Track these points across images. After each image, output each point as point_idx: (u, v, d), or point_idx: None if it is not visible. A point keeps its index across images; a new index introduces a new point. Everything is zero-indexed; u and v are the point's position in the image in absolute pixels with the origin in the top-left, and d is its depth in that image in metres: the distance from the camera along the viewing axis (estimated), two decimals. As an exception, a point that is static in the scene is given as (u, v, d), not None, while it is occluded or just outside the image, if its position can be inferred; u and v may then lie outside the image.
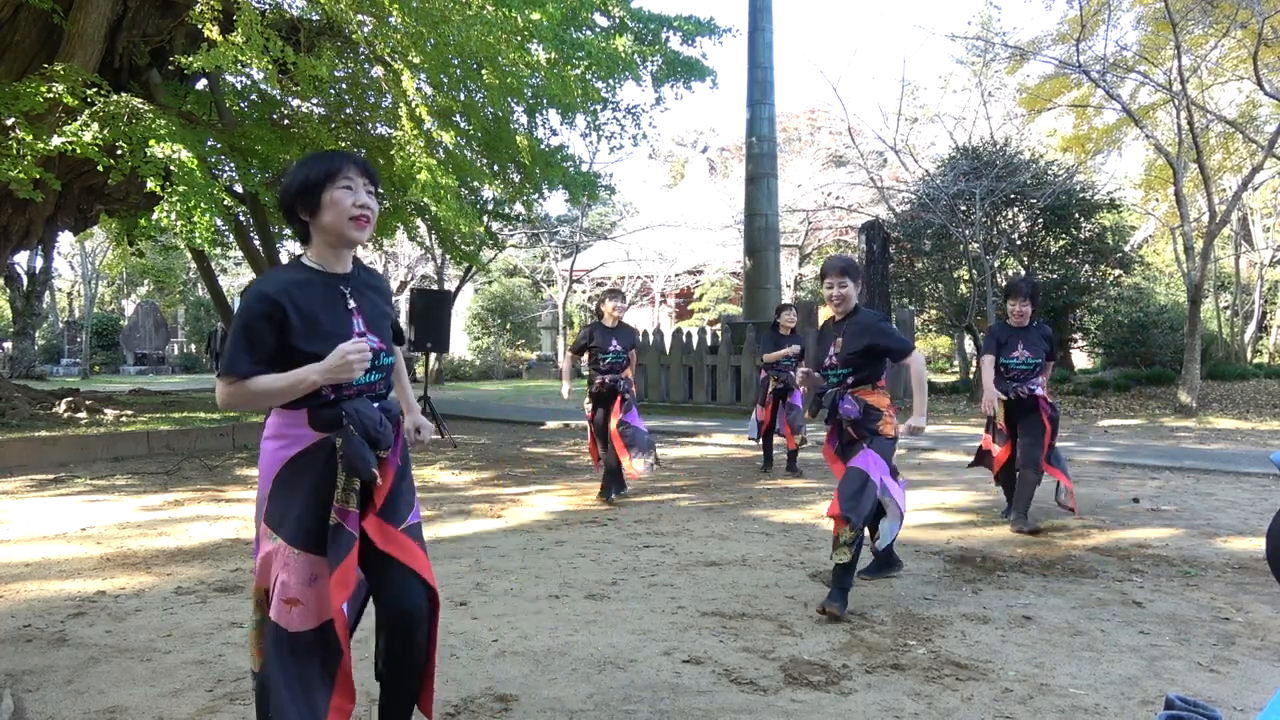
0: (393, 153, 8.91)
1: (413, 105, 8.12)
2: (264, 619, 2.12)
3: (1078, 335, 18.60)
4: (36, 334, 25.59)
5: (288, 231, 11.77)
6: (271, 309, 2.01)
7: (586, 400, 6.45)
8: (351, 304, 2.12)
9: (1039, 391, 5.36)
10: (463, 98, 9.73)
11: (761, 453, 8.38)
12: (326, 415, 2.06)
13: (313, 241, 2.14)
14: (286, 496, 2.07)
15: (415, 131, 8.18)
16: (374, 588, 2.20)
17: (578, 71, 9.10)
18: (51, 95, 7.73)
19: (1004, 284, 6.50)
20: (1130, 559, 4.71)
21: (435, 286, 23.67)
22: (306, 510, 2.06)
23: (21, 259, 21.74)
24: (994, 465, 5.69)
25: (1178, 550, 4.91)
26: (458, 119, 10.05)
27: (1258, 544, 4.92)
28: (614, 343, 6.21)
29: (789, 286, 25.96)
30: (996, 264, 16.57)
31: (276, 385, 2.01)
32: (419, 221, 13.15)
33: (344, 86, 10.43)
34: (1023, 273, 17.26)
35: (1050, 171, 17.25)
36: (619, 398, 6.26)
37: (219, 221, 8.44)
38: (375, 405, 2.13)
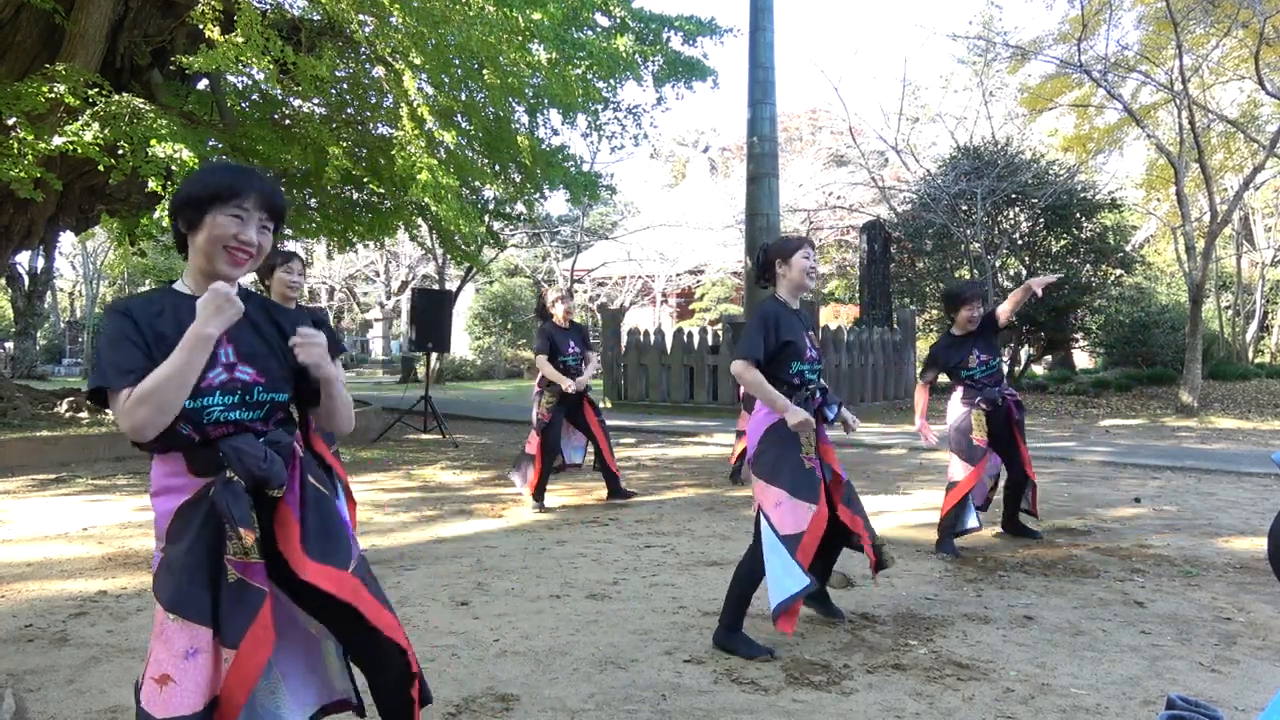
0: (394, 152, 8.90)
1: (414, 105, 8.11)
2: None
3: (1079, 335, 18.58)
4: (38, 334, 25.60)
5: (289, 231, 11.75)
6: (126, 319, 1.76)
7: (543, 404, 6.19)
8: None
9: (1009, 391, 5.04)
10: (464, 98, 9.72)
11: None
12: (205, 457, 1.78)
13: (188, 259, 1.86)
14: (170, 555, 1.78)
15: (416, 131, 8.18)
16: (344, 645, 2.00)
17: (579, 71, 9.09)
18: (53, 95, 7.73)
19: (946, 289, 5.64)
20: (1131, 559, 4.71)
21: (436, 286, 23.68)
22: (187, 569, 1.76)
23: (23, 259, 21.74)
24: (971, 495, 4.82)
25: (1179, 550, 4.91)
26: (459, 119, 10.04)
27: (1259, 544, 4.92)
28: (571, 344, 6.23)
29: (790, 286, 25.90)
30: (998, 264, 16.57)
31: (167, 369, 1.68)
32: (420, 221, 13.11)
33: (345, 86, 10.42)
34: (1024, 273, 17.26)
35: (1051, 171, 17.25)
36: (584, 399, 6.30)
37: (220, 221, 8.43)
38: (260, 441, 1.81)
